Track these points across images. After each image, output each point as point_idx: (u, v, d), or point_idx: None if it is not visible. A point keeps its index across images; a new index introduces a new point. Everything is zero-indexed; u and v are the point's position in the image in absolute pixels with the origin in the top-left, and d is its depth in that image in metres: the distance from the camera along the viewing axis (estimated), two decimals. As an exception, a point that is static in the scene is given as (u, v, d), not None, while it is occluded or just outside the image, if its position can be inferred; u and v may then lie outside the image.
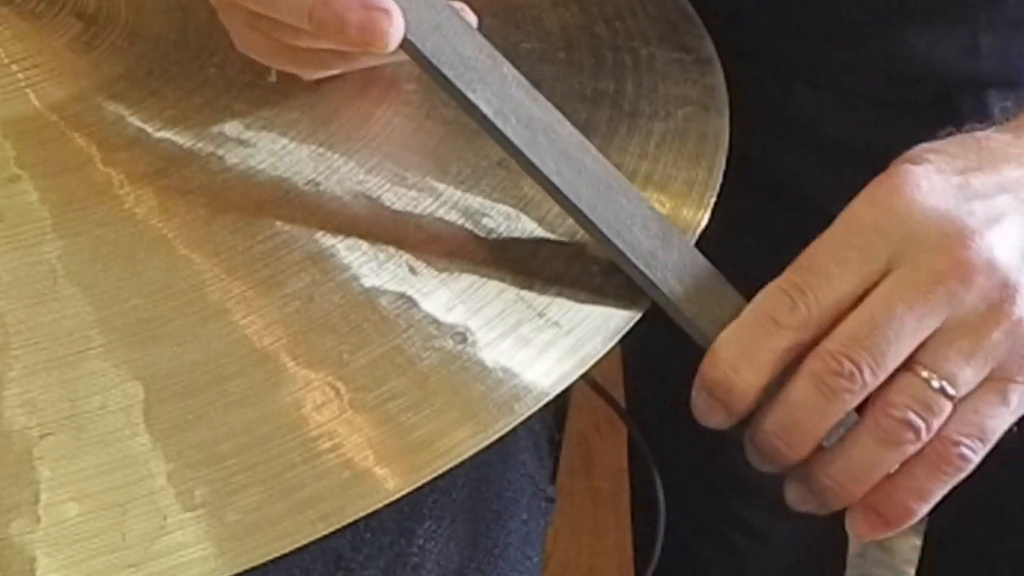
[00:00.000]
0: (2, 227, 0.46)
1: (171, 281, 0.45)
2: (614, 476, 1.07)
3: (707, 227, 0.54)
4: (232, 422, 0.42)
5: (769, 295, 0.50)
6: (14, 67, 0.50)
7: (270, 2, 0.49)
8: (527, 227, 0.51)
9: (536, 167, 0.49)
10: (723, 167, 0.56)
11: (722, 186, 0.55)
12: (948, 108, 0.76)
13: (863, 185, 0.80)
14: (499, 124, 0.49)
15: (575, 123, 0.51)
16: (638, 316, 0.49)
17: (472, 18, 0.53)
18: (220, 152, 0.50)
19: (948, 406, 0.49)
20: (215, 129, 0.51)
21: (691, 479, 0.91)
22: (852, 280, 0.49)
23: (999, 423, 0.50)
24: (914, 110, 0.76)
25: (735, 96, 0.60)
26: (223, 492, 0.40)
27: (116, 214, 0.47)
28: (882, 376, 0.49)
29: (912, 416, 0.49)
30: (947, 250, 0.49)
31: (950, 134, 0.55)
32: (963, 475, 0.50)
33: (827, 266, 0.50)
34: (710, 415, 0.51)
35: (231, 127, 0.51)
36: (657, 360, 0.93)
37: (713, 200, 0.54)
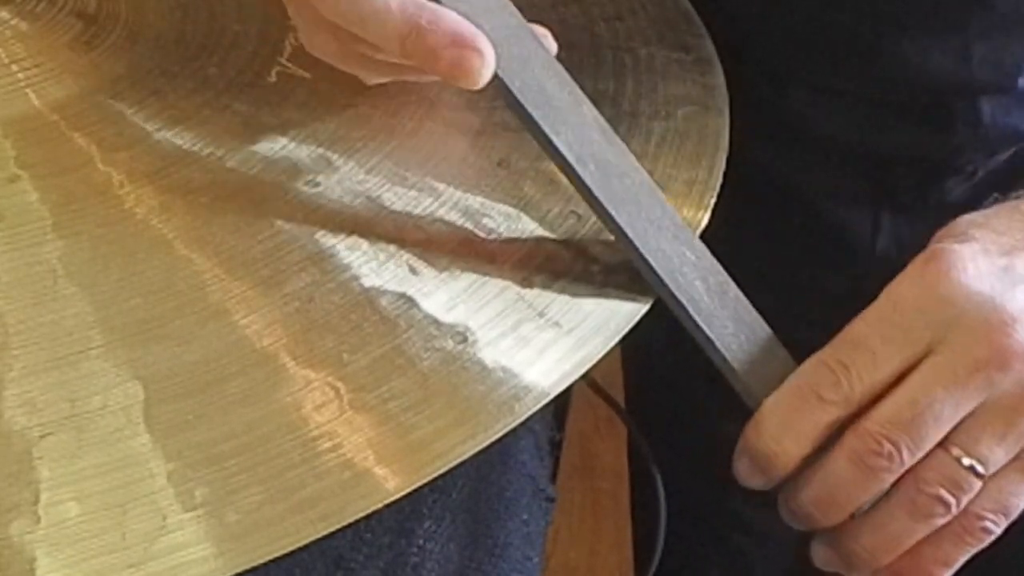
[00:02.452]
0: (2, 227, 0.46)
1: (171, 281, 0.45)
2: (614, 476, 1.07)
3: (707, 227, 0.54)
4: (232, 422, 0.42)
5: (814, 369, 0.52)
6: (14, 67, 0.50)
7: (360, 23, 0.49)
8: (527, 227, 0.50)
9: (610, 215, 0.49)
10: (723, 167, 0.56)
11: (721, 187, 0.55)
12: (941, 112, 0.76)
13: (863, 185, 0.80)
14: (579, 170, 0.49)
15: None
16: (638, 316, 0.49)
17: (553, 46, 0.52)
18: (220, 152, 0.50)
19: (978, 484, 0.51)
20: (215, 129, 0.51)
21: (691, 479, 0.91)
22: (895, 360, 0.51)
23: (1022, 500, 0.53)
24: (908, 113, 0.77)
25: (732, 97, 0.60)
26: (223, 492, 0.40)
27: (116, 214, 0.47)
28: (919, 456, 0.51)
29: (944, 493, 0.51)
30: (988, 338, 0.51)
31: (996, 201, 0.57)
32: (984, 545, 0.53)
33: (872, 344, 0.51)
34: (750, 479, 0.54)
35: (231, 127, 0.51)
36: (657, 361, 0.93)
37: (713, 200, 0.54)
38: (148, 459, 0.41)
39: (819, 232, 0.83)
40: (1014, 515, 0.53)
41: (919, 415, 0.50)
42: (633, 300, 0.49)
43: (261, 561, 0.39)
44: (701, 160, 0.56)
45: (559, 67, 0.50)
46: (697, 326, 0.51)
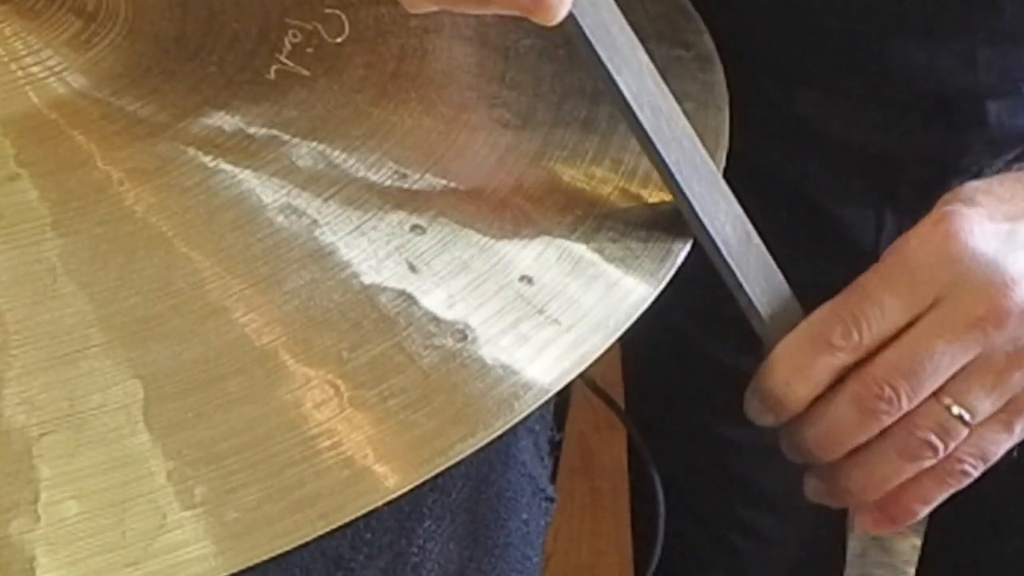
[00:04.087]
0: (1, 225, 0.46)
1: (170, 279, 0.45)
2: (614, 476, 1.07)
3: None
4: (231, 420, 0.42)
5: (827, 317, 0.56)
6: (13, 65, 0.50)
7: None
8: (526, 224, 0.50)
9: (660, 155, 0.51)
10: (723, 164, 0.56)
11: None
12: (947, 113, 0.76)
13: (867, 184, 0.81)
14: (635, 109, 0.50)
15: (575, 120, 0.51)
16: (638, 313, 0.49)
17: None
18: (219, 150, 0.50)
19: (964, 432, 0.56)
20: (214, 127, 0.51)
21: (691, 479, 0.91)
22: (902, 312, 0.55)
23: (1001, 448, 0.57)
24: (913, 114, 0.77)
25: (735, 96, 0.60)
26: (222, 490, 0.40)
27: (115, 212, 0.47)
28: (916, 402, 0.55)
29: (934, 438, 0.56)
30: (988, 297, 0.54)
31: (1000, 170, 0.62)
32: (962, 486, 0.58)
33: (881, 297, 0.55)
34: (760, 417, 0.57)
35: (230, 125, 0.51)
36: (657, 361, 0.93)
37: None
38: (147, 457, 0.41)
39: (822, 231, 0.83)
40: (992, 461, 0.57)
41: (919, 364, 0.54)
42: (633, 297, 0.49)
43: (261, 559, 0.39)
44: (701, 157, 0.55)
45: (619, 13, 0.51)
46: (728, 267, 0.54)
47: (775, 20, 0.77)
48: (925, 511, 0.58)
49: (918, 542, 0.99)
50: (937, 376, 0.55)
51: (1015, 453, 0.58)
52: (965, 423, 0.56)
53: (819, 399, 0.56)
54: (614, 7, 0.51)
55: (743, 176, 0.57)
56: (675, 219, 0.53)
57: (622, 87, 0.50)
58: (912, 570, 1.02)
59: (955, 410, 0.55)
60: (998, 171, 0.78)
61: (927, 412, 0.55)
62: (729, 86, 0.60)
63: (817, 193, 0.83)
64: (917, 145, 0.79)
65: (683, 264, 0.52)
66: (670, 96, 0.53)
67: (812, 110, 0.80)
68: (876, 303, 0.55)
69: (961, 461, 0.57)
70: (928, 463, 0.56)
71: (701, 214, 0.52)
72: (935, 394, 0.55)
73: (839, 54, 0.76)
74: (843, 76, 0.77)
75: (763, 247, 0.56)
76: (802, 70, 0.78)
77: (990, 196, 0.58)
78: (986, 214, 0.56)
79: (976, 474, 0.57)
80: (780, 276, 0.57)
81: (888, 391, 0.55)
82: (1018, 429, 0.57)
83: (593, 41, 0.49)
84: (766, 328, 0.56)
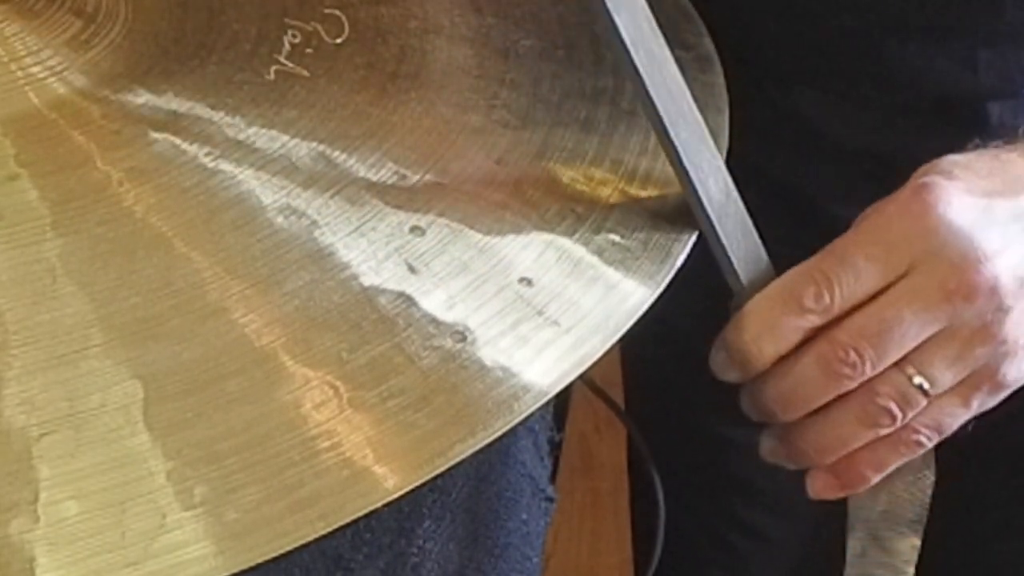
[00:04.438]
0: (1, 225, 0.46)
1: (170, 279, 0.45)
2: (614, 476, 1.07)
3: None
4: (231, 421, 0.42)
5: (799, 277, 0.55)
6: (13, 65, 0.50)
7: None
8: (526, 225, 0.50)
9: (650, 96, 0.51)
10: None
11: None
12: (948, 114, 0.76)
13: (867, 184, 0.80)
14: (631, 51, 0.51)
15: (574, 121, 0.51)
16: (637, 315, 0.49)
17: None
18: (219, 150, 0.50)
19: (924, 402, 0.56)
20: (214, 127, 0.51)
21: (691, 479, 0.91)
22: (875, 278, 0.55)
23: (957, 421, 0.58)
24: (914, 115, 0.77)
25: (735, 97, 0.60)
26: (222, 491, 0.40)
27: (115, 212, 0.47)
28: (880, 368, 0.55)
29: (893, 406, 0.56)
30: (960, 271, 0.55)
31: (978, 146, 0.61)
32: (914, 456, 0.58)
33: (856, 262, 0.55)
34: (725, 372, 0.58)
35: (230, 125, 0.51)
36: (656, 362, 0.93)
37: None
38: (147, 458, 0.41)
39: (821, 232, 0.83)
40: (947, 433, 0.58)
41: (887, 331, 0.55)
42: (633, 299, 0.49)
43: (260, 560, 0.39)
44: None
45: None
46: (707, 217, 0.53)
47: (776, 21, 0.77)
48: (877, 478, 0.59)
49: (918, 542, 0.99)
50: (903, 344, 0.55)
51: (969, 427, 0.59)
52: (925, 393, 0.56)
53: (784, 358, 0.56)
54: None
55: (743, 176, 0.57)
56: (675, 221, 0.53)
57: (620, 27, 0.50)
58: (912, 570, 1.01)
59: (916, 379, 0.56)
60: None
61: (889, 379, 0.56)
62: (729, 87, 0.60)
63: (817, 193, 0.83)
64: (917, 146, 0.79)
65: (683, 265, 0.52)
66: (664, 45, 0.53)
67: (812, 110, 0.80)
68: (850, 268, 0.55)
69: (917, 431, 0.57)
70: (885, 431, 0.56)
71: (686, 161, 0.52)
72: (898, 363, 0.56)
73: (840, 55, 0.76)
74: (843, 77, 0.77)
75: (742, 205, 0.56)
76: (802, 71, 0.78)
77: (968, 171, 0.58)
78: (964, 187, 0.56)
79: (930, 445, 0.58)
80: (756, 236, 0.56)
81: (853, 355, 0.55)
82: (975, 404, 0.58)
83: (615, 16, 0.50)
84: (739, 283, 0.56)
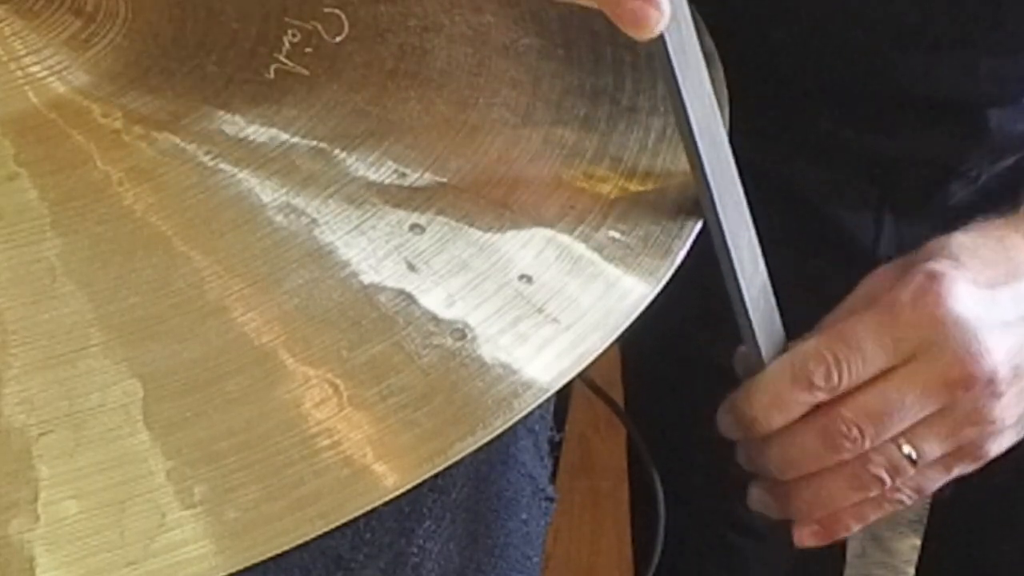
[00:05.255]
0: (1, 225, 0.46)
1: (170, 278, 0.45)
2: (614, 476, 1.07)
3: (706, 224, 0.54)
4: (231, 420, 0.42)
5: (811, 355, 0.59)
6: (13, 65, 0.50)
7: None
8: (525, 223, 0.50)
9: (706, 178, 0.53)
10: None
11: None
12: (948, 119, 0.77)
13: (866, 187, 0.81)
14: (697, 136, 0.52)
15: (574, 119, 0.51)
16: (637, 312, 0.49)
17: None
18: (218, 149, 0.50)
19: (911, 471, 0.60)
20: (213, 126, 0.51)
21: (691, 479, 0.91)
22: (881, 362, 0.59)
23: (937, 484, 0.62)
24: (914, 119, 0.77)
25: (736, 99, 0.60)
26: (222, 490, 0.40)
27: (115, 211, 0.47)
28: (877, 444, 0.59)
29: (884, 473, 0.60)
30: (963, 362, 0.58)
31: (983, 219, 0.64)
32: (894, 511, 0.63)
33: (866, 347, 0.58)
34: (728, 431, 0.62)
35: (230, 124, 0.51)
36: (656, 361, 0.93)
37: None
38: (147, 457, 0.41)
39: (821, 233, 0.84)
40: (927, 494, 0.63)
41: (888, 412, 0.59)
42: (633, 296, 0.49)
43: (260, 559, 0.39)
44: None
45: (695, 38, 0.53)
46: (737, 278, 0.56)
47: (778, 26, 0.77)
48: (858, 528, 0.63)
49: (918, 542, 0.99)
50: (901, 423, 0.59)
51: (947, 491, 0.64)
52: (913, 463, 0.60)
53: (787, 425, 0.59)
54: (694, 34, 0.52)
55: (744, 178, 0.57)
56: (674, 218, 0.53)
57: (689, 112, 0.51)
58: (912, 570, 1.02)
59: (906, 450, 0.60)
60: (996, 175, 0.78)
61: (882, 450, 0.60)
62: (730, 89, 0.60)
63: (817, 195, 0.83)
64: (917, 150, 0.79)
65: (682, 265, 0.52)
66: (722, 126, 0.54)
67: (812, 112, 0.80)
68: (860, 351, 0.58)
69: (900, 492, 0.61)
70: (873, 493, 0.61)
71: (728, 237, 0.54)
72: (893, 436, 0.59)
73: (840, 60, 0.77)
74: (844, 82, 0.78)
75: (767, 275, 0.58)
76: (803, 75, 0.79)
77: (975, 259, 0.61)
78: (971, 278, 0.60)
79: (909, 503, 0.63)
80: (775, 303, 0.59)
81: (855, 432, 0.59)
82: (956, 471, 0.62)
83: (674, 60, 0.50)
84: (758, 350, 0.59)
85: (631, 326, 0.49)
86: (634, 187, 0.54)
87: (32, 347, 0.43)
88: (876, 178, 0.82)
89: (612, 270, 0.50)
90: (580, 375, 0.46)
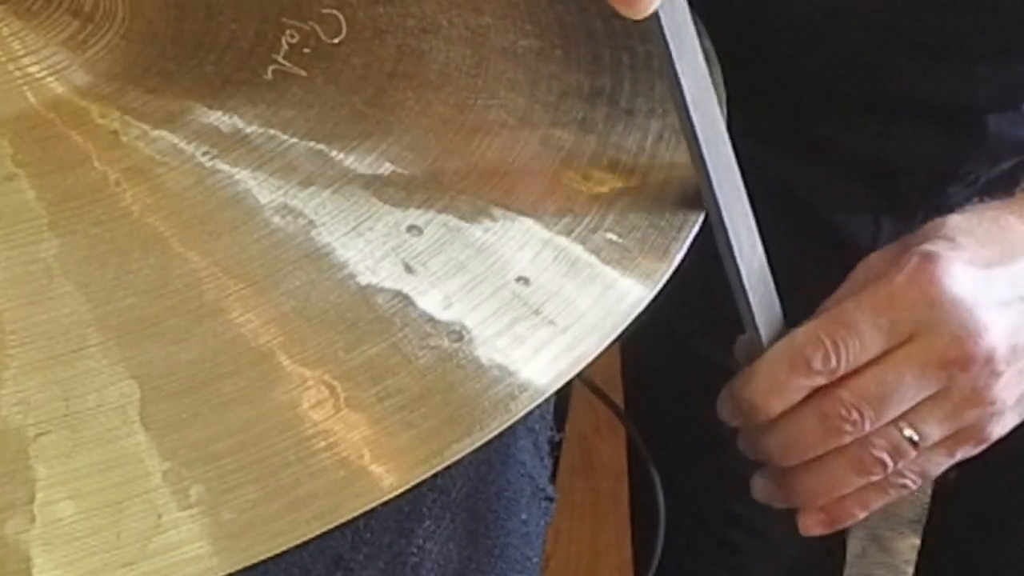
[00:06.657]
0: (-2, 225, 0.46)
1: (167, 279, 0.45)
2: (614, 476, 1.07)
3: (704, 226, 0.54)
4: (228, 421, 0.42)
5: (808, 339, 0.59)
6: (11, 65, 0.50)
7: None
8: (523, 225, 0.50)
9: (703, 159, 0.53)
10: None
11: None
12: (947, 123, 0.77)
13: (865, 190, 0.81)
14: (691, 110, 0.52)
15: (572, 121, 0.51)
16: (635, 314, 0.49)
17: None
18: (216, 149, 0.50)
19: (914, 453, 0.60)
20: (211, 127, 0.51)
21: (691, 479, 0.91)
22: (879, 344, 0.58)
23: (941, 468, 0.62)
24: (913, 123, 0.77)
25: (735, 101, 0.60)
26: (218, 491, 0.40)
27: (112, 212, 0.47)
28: (877, 426, 0.59)
29: (886, 457, 0.60)
30: (960, 342, 0.58)
31: (980, 200, 0.66)
32: (899, 497, 0.63)
33: (863, 329, 0.58)
34: (728, 418, 0.62)
35: (227, 125, 0.51)
36: (656, 361, 0.93)
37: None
38: (143, 458, 0.41)
39: (820, 235, 0.84)
40: (931, 479, 0.63)
41: (887, 394, 0.58)
42: (630, 298, 0.49)
43: (257, 560, 0.39)
44: (699, 158, 0.55)
45: (690, 18, 0.52)
46: (735, 260, 0.56)
47: (777, 30, 0.77)
48: (863, 515, 0.63)
49: (918, 542, 0.99)
50: (901, 405, 0.59)
51: (951, 475, 0.64)
52: (915, 445, 0.60)
53: (787, 411, 0.59)
54: (688, 13, 0.52)
55: (743, 179, 0.57)
56: (672, 220, 0.53)
57: (685, 91, 0.51)
58: (912, 570, 1.02)
59: (908, 433, 0.59)
60: (994, 178, 0.78)
61: (883, 433, 0.59)
62: (729, 92, 0.60)
63: (815, 197, 0.84)
64: (915, 153, 0.79)
65: (681, 265, 0.52)
66: (719, 110, 0.54)
67: (811, 115, 0.80)
68: (856, 335, 0.58)
69: (904, 476, 0.61)
70: (876, 478, 0.60)
71: (726, 217, 0.54)
72: (894, 419, 0.59)
73: (839, 65, 0.77)
74: (843, 86, 0.78)
75: (766, 260, 0.58)
76: (802, 79, 0.79)
77: (971, 238, 0.61)
78: (967, 258, 0.60)
79: (914, 488, 0.62)
80: (774, 289, 0.59)
81: (855, 414, 0.58)
82: (959, 454, 0.62)
83: (670, 39, 0.50)
84: (758, 336, 0.59)
85: (630, 327, 0.49)
86: (632, 189, 0.54)
87: (29, 347, 0.43)
88: (874, 181, 0.82)
89: (609, 272, 0.50)
90: (579, 376, 0.46)
